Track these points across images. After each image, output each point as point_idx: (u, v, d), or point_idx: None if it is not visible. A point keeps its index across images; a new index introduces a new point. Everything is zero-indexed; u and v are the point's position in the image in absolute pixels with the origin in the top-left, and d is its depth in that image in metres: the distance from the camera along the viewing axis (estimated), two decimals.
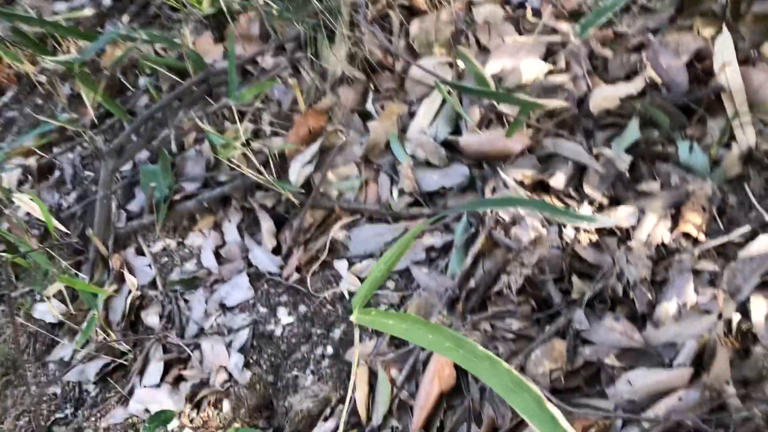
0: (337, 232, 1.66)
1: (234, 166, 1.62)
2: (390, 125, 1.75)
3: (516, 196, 1.50)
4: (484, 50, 1.79)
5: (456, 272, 1.47)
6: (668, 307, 1.29)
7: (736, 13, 1.62)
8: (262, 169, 1.64)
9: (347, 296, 1.55)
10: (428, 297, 1.47)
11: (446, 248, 1.55)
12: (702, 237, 1.40)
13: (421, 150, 1.69)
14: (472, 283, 1.44)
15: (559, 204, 1.51)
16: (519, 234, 1.47)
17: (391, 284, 1.54)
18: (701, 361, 1.20)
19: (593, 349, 1.28)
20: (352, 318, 0.84)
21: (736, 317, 1.24)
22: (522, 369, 1.29)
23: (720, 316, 1.24)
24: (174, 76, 1.93)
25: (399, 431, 1.33)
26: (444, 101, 1.69)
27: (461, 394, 1.34)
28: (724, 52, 1.52)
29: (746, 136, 1.54)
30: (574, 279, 1.37)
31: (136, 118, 1.98)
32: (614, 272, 1.36)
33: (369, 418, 1.36)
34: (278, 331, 1.55)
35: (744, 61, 1.53)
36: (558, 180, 1.53)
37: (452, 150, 1.68)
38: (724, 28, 1.53)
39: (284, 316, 1.57)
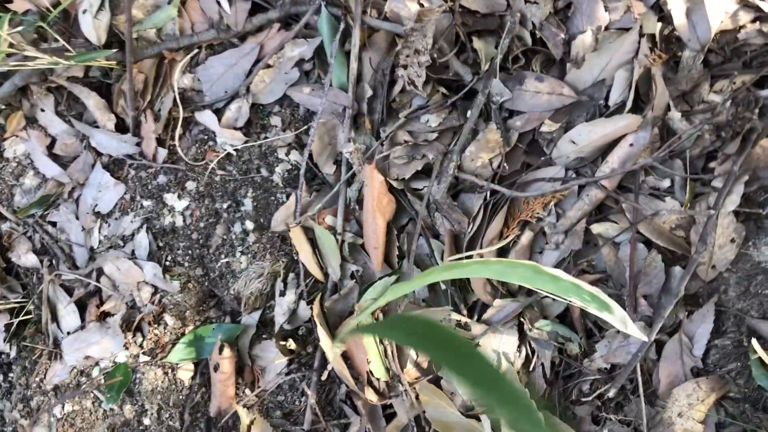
0: (180, 80, 1.35)
1: (7, 66, 1.22)
2: None
3: None
4: None
5: (344, 83, 1.25)
6: (584, 39, 1.16)
7: None
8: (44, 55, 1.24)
9: (234, 154, 1.32)
10: (326, 122, 1.27)
11: (320, 54, 1.29)
12: None
13: None
14: (368, 90, 1.23)
15: None
16: (397, 10, 1.23)
17: (276, 121, 1.31)
18: (638, 92, 1.12)
19: (524, 119, 1.17)
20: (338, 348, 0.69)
21: (658, 27, 1.13)
22: (460, 168, 1.18)
23: (641, 31, 1.13)
24: None
25: (361, 274, 1.25)
26: None
27: (406, 213, 1.25)
28: None
29: None
30: (476, 42, 1.20)
31: None
32: (515, 20, 1.18)
33: (326, 275, 1.27)
34: (179, 221, 1.34)
35: None
36: None
37: None
38: None
39: (175, 201, 1.35)
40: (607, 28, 1.15)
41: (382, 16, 1.24)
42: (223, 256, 1.32)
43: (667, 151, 1.08)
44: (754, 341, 1.01)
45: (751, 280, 1.07)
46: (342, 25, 1.24)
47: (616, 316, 0.85)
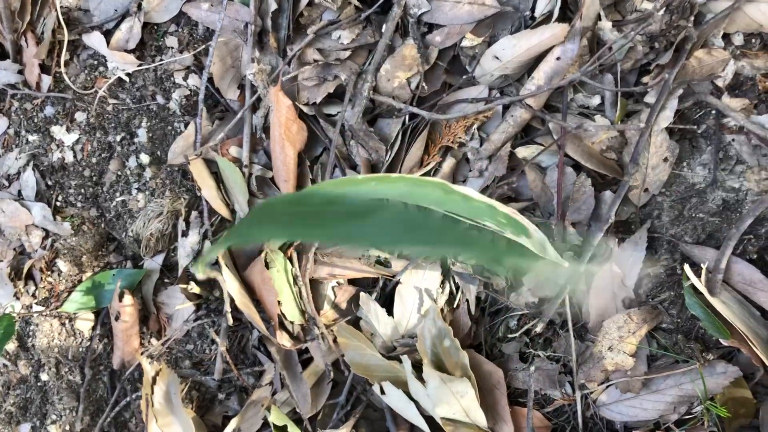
0: None
1: None
2: None
3: None
4: None
5: None
6: None
7: None
8: None
9: (126, 80, 1.18)
10: (227, 42, 1.13)
11: None
12: None
13: None
14: (272, 3, 1.10)
15: None
16: None
17: (172, 42, 1.17)
18: (565, 1, 1.02)
19: (444, 34, 1.06)
20: (199, 275, 0.59)
21: None
22: (376, 89, 1.07)
23: None
24: None
25: None
26: None
27: (319, 141, 1.14)
28: None
29: None
30: None
31: None
32: None
33: (232, 212, 1.15)
34: (69, 157, 1.20)
35: None
36: None
37: None
38: None
39: (64, 134, 1.21)
40: None
41: None
42: (118, 194, 1.19)
43: (596, 64, 0.99)
44: (686, 267, 0.94)
45: (685, 203, 1.00)
46: None
47: (534, 241, 0.76)
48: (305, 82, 1.09)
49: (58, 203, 1.22)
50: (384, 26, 1.06)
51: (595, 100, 1.02)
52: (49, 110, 1.22)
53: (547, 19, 1.02)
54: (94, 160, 1.20)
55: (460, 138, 1.06)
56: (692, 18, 0.96)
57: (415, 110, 1.05)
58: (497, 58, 1.03)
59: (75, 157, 1.20)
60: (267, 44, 1.11)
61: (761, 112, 0.96)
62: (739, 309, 0.96)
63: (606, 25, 0.99)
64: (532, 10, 1.03)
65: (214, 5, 1.14)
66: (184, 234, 1.16)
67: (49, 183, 1.22)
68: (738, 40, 0.98)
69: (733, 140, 0.98)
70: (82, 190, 1.21)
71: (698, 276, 0.95)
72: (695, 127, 0.99)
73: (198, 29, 1.17)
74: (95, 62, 1.20)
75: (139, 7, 1.17)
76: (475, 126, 1.05)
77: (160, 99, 1.17)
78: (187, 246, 1.16)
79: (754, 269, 0.95)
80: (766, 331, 0.95)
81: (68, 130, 1.20)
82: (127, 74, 1.18)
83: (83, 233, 1.22)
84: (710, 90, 0.99)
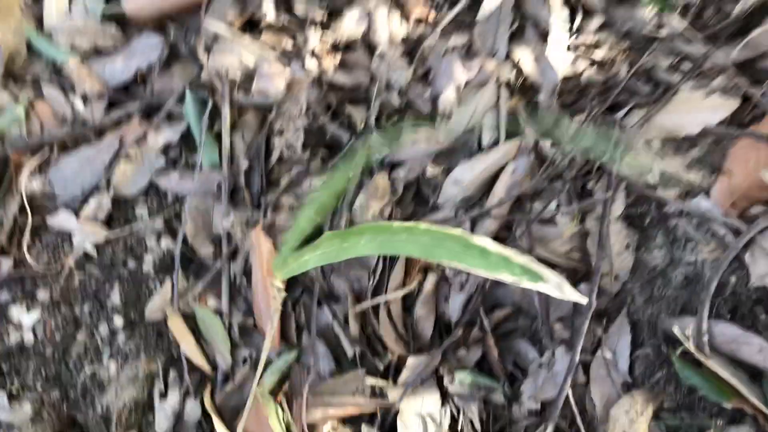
0: (28, 184, 1.22)
1: None
2: (17, 22, 1.29)
3: None
4: None
5: (216, 162, 1.20)
6: (447, 96, 1.22)
7: None
8: None
9: (93, 252, 1.18)
10: (199, 204, 1.18)
11: (186, 141, 1.24)
12: (433, 15, 1.34)
13: (81, 38, 1.28)
14: (244, 163, 1.19)
15: (280, 41, 1.29)
16: (264, 87, 1.23)
17: (142, 210, 1.21)
18: (507, 133, 1.18)
19: (407, 168, 1.18)
20: (277, 283, 0.60)
21: (513, 74, 1.23)
22: (352, 223, 1.14)
23: (498, 81, 1.22)
24: None
25: (256, 358, 1.11)
26: None
27: (298, 281, 1.15)
28: None
29: None
30: (349, 109, 1.22)
31: None
32: (382, 86, 1.23)
33: (214, 367, 1.10)
34: (28, 337, 1.14)
35: None
36: (266, 11, 1.29)
37: (123, 23, 1.31)
38: None
39: (23, 315, 1.15)
40: (467, 84, 1.23)
41: (248, 94, 1.23)
42: (87, 366, 1.11)
43: (544, 175, 1.12)
44: (676, 329, 0.99)
45: (653, 284, 1.08)
46: (209, 106, 1.22)
47: (551, 284, 0.80)
48: (282, 225, 1.14)
49: (13, 391, 1.11)
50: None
51: (552, 205, 1.13)
52: (4, 295, 1.17)
53: (493, 145, 1.17)
54: (57, 337, 1.13)
55: None
56: (616, 128, 1.14)
57: None
58: (457, 182, 1.14)
59: (35, 337, 1.14)
60: (240, 201, 1.17)
61: (693, 197, 1.11)
62: (731, 369, 1.00)
63: (545, 144, 1.15)
64: (479, 143, 1.18)
65: (184, 175, 1.21)
66: (163, 395, 1.09)
67: (5, 369, 1.12)
68: (656, 145, 1.16)
69: (677, 223, 1.10)
70: (42, 371, 1.12)
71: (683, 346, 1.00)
72: (642, 221, 1.11)
73: (167, 198, 1.22)
74: (59, 239, 1.19)
75: (108, 183, 1.21)
76: None
77: (131, 265, 1.17)
78: (167, 408, 1.07)
79: (732, 326, 1.01)
80: (758, 389, 1.00)
81: (28, 309, 1.15)
82: (96, 245, 1.18)
83: (43, 420, 1.10)
84: (646, 186, 1.14)
